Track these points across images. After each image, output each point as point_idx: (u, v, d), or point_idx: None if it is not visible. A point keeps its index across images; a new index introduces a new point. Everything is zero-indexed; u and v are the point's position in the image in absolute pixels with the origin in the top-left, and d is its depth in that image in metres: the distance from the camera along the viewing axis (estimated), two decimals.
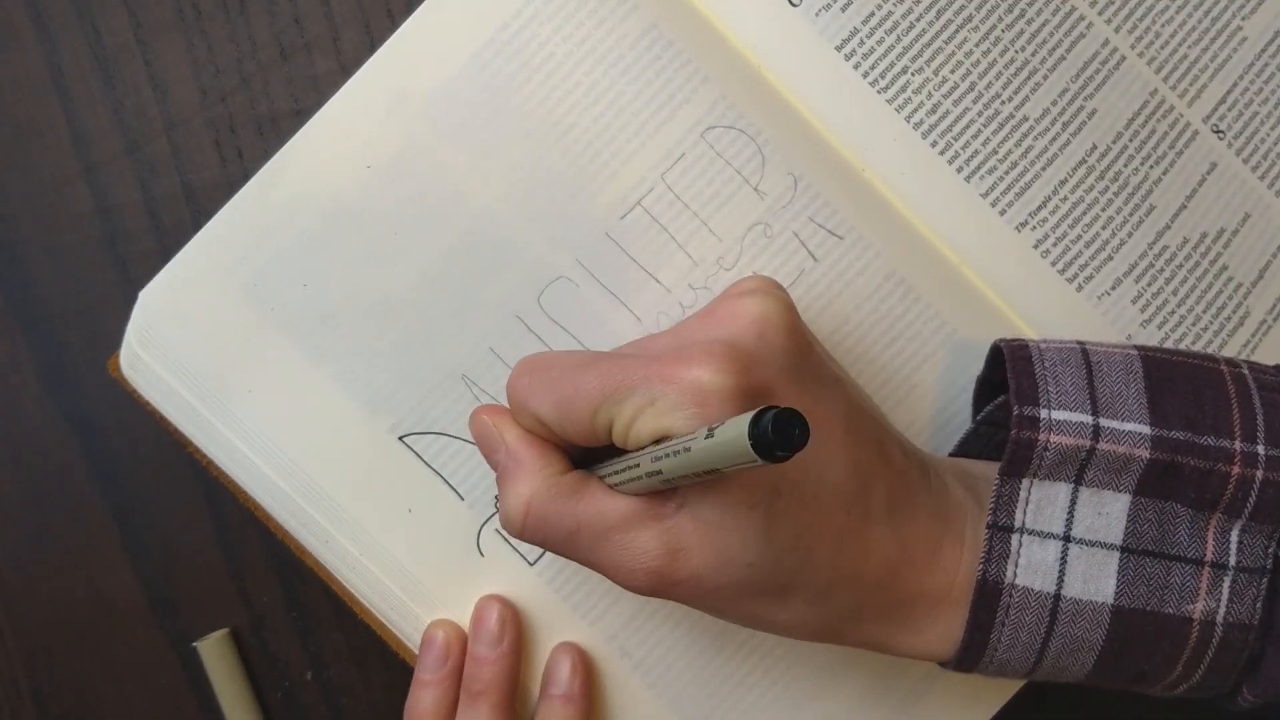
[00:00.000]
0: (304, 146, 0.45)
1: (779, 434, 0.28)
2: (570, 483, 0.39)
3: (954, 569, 0.39)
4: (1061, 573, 0.38)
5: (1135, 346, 0.41)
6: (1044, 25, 0.47)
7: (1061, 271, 0.47)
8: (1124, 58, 0.48)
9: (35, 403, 0.52)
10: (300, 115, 0.51)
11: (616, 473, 0.37)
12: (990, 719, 0.47)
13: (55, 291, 0.52)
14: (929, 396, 0.46)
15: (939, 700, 0.47)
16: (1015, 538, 0.38)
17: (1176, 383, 0.39)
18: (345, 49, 0.51)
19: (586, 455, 0.41)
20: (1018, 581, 0.38)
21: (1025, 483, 0.38)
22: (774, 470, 0.35)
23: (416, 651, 0.46)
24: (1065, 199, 0.47)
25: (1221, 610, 0.38)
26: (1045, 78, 0.47)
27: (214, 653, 0.52)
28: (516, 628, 0.46)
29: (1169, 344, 0.47)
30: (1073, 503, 0.38)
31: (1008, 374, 0.40)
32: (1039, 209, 0.47)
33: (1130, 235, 0.47)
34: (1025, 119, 0.47)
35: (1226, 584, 0.38)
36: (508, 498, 0.40)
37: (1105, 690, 0.41)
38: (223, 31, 0.51)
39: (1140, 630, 0.38)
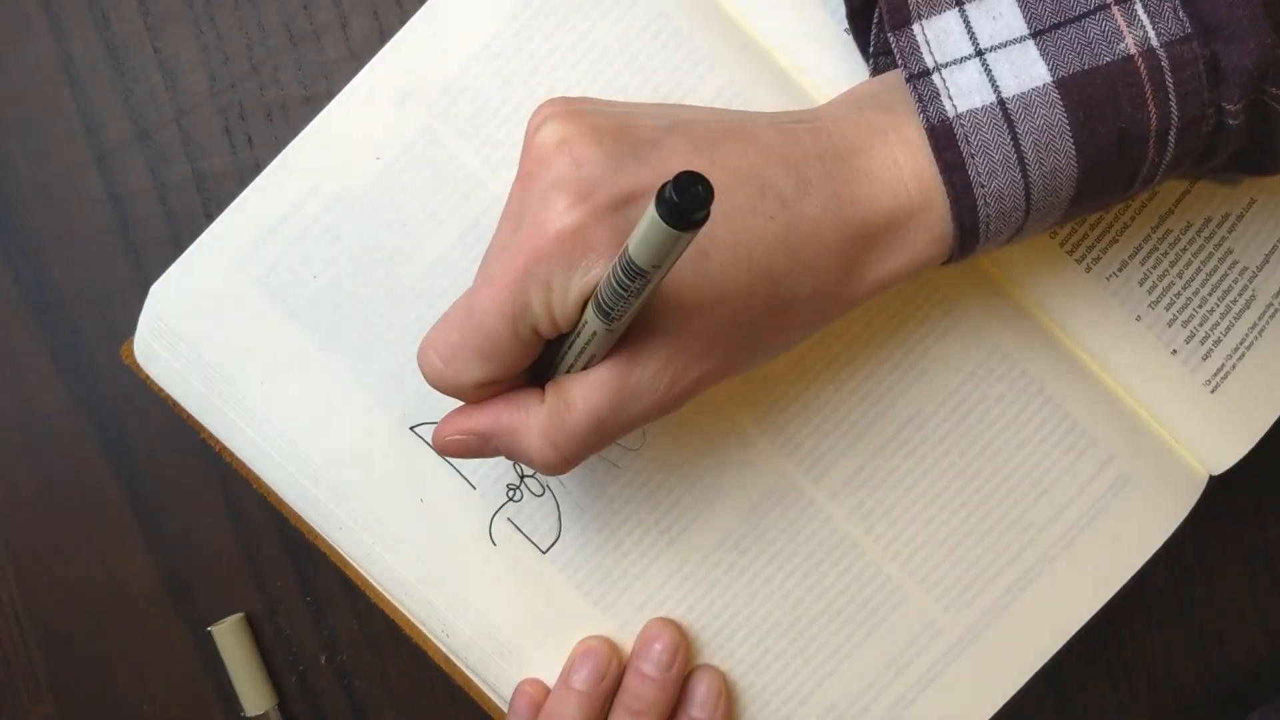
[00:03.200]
0: (313, 140, 0.45)
1: (685, 199, 0.28)
2: (555, 399, 0.38)
3: (907, 175, 0.39)
4: (992, 80, 0.37)
5: None
6: None
7: (1070, 252, 0.47)
8: None
9: (49, 390, 0.52)
10: (309, 102, 0.51)
11: (571, 355, 0.37)
12: (1002, 705, 0.48)
13: (68, 279, 0.52)
14: (939, 379, 0.46)
15: (950, 685, 0.47)
16: (934, 76, 0.38)
17: None
18: (354, 35, 0.51)
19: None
20: (959, 109, 0.37)
21: (915, 28, 0.38)
22: (689, 250, 0.35)
23: (429, 635, 0.47)
24: None
25: (1151, 34, 0.37)
26: None
27: (229, 637, 0.52)
28: (686, 656, 0.46)
29: (1175, 326, 0.48)
30: (966, 22, 0.38)
31: None
32: None
33: (1134, 219, 0.47)
34: None
35: (1139, 8, 0.37)
36: (532, 458, 0.39)
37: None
38: (231, 18, 0.51)
39: (1093, 91, 0.37)
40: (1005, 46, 0.38)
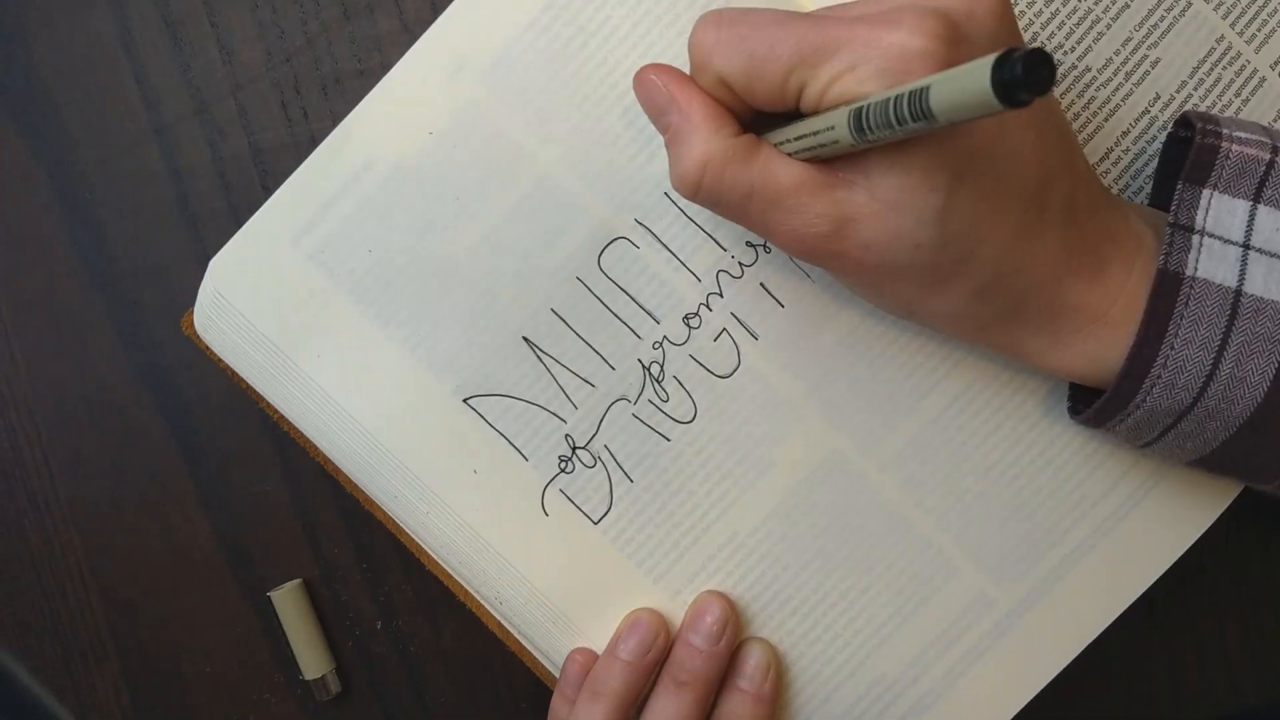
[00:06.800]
0: (366, 115, 0.45)
1: (1029, 74, 0.26)
2: (745, 145, 0.38)
3: (1117, 290, 0.39)
4: (1242, 270, 0.38)
5: None
6: None
7: None
8: (1190, 3, 0.47)
9: (112, 360, 0.53)
10: (363, 75, 0.51)
11: (795, 138, 0.37)
12: (1052, 677, 0.47)
13: (129, 251, 0.52)
14: (992, 353, 0.46)
15: (1001, 658, 0.47)
16: (1196, 237, 0.38)
17: None
18: (407, 8, 0.51)
19: (755, 123, 0.40)
20: (1198, 274, 0.38)
21: (1206, 192, 0.39)
22: (961, 152, 0.35)
23: (482, 602, 0.47)
24: (1128, 150, 0.46)
25: None
26: (1108, 27, 0.46)
27: (287, 602, 0.53)
28: (735, 630, 0.46)
29: None
30: (1251, 217, 0.39)
31: (1191, 119, 0.41)
32: (1101, 160, 0.46)
33: None
34: (1088, 69, 0.46)
35: None
36: (682, 160, 0.38)
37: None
38: None
39: None
40: (1271, 256, 0.38)
